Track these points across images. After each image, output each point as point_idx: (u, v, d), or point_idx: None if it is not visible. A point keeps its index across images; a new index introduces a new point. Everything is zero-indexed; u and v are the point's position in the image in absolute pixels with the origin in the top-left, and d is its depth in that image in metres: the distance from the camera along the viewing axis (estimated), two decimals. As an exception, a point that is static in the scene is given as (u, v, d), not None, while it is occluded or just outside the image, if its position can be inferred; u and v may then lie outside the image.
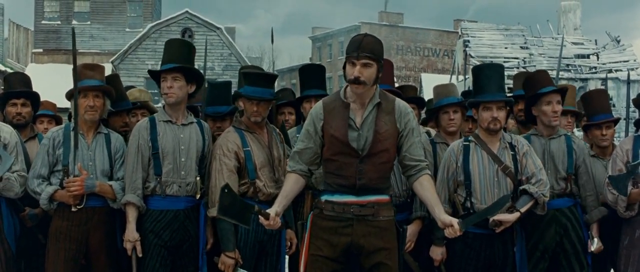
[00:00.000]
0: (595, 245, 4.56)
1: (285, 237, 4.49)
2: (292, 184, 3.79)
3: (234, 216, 3.54)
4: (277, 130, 4.65)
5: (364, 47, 3.61)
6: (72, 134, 4.30)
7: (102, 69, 4.54)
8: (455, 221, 3.64)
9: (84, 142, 4.35)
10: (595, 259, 4.67)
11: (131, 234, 4.21)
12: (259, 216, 3.58)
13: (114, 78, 4.90)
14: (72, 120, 4.35)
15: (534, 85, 4.68)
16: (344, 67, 3.69)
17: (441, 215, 3.68)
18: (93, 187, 4.22)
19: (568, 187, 4.57)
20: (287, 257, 4.73)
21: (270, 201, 4.29)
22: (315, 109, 3.82)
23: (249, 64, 30.46)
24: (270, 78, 4.43)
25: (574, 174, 4.59)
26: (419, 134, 3.86)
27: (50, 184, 4.30)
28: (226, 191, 3.46)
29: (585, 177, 4.60)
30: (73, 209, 4.24)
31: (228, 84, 4.94)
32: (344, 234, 3.69)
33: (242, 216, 3.55)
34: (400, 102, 3.81)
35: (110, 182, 4.33)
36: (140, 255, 4.23)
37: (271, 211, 3.64)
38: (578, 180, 4.60)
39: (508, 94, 4.49)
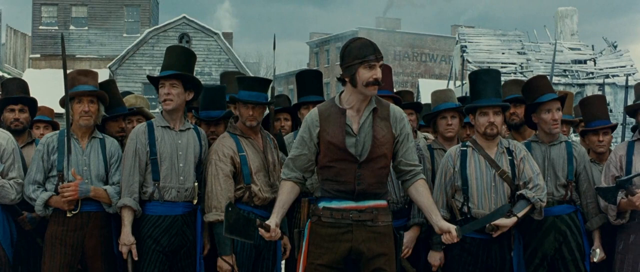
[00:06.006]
0: (597, 256, 4.51)
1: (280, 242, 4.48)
2: (287, 193, 3.77)
3: (240, 233, 3.56)
4: (271, 135, 4.65)
5: (379, 50, 3.66)
6: (65, 139, 4.29)
7: (96, 74, 4.56)
8: (453, 227, 3.63)
9: (79, 147, 4.35)
10: (592, 265, 4.65)
11: (126, 237, 4.21)
12: (261, 229, 3.58)
13: (110, 83, 4.92)
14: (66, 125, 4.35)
15: (533, 92, 4.66)
16: (349, 73, 3.63)
17: (439, 221, 3.67)
18: (87, 192, 4.22)
19: (568, 194, 4.55)
20: (283, 262, 4.73)
21: (265, 206, 4.31)
22: (310, 116, 3.79)
23: (247, 69, 30.52)
24: (265, 83, 4.47)
25: (575, 181, 4.57)
26: (413, 139, 3.86)
27: (45, 190, 4.30)
28: (230, 209, 3.47)
29: (585, 185, 4.57)
30: (68, 215, 4.23)
31: (222, 88, 4.95)
32: (344, 240, 3.67)
33: (246, 232, 3.57)
34: (394, 108, 3.80)
35: (105, 187, 4.33)
36: (136, 259, 4.22)
37: (271, 223, 3.62)
38: (578, 187, 4.58)
39: (502, 100, 4.48)
